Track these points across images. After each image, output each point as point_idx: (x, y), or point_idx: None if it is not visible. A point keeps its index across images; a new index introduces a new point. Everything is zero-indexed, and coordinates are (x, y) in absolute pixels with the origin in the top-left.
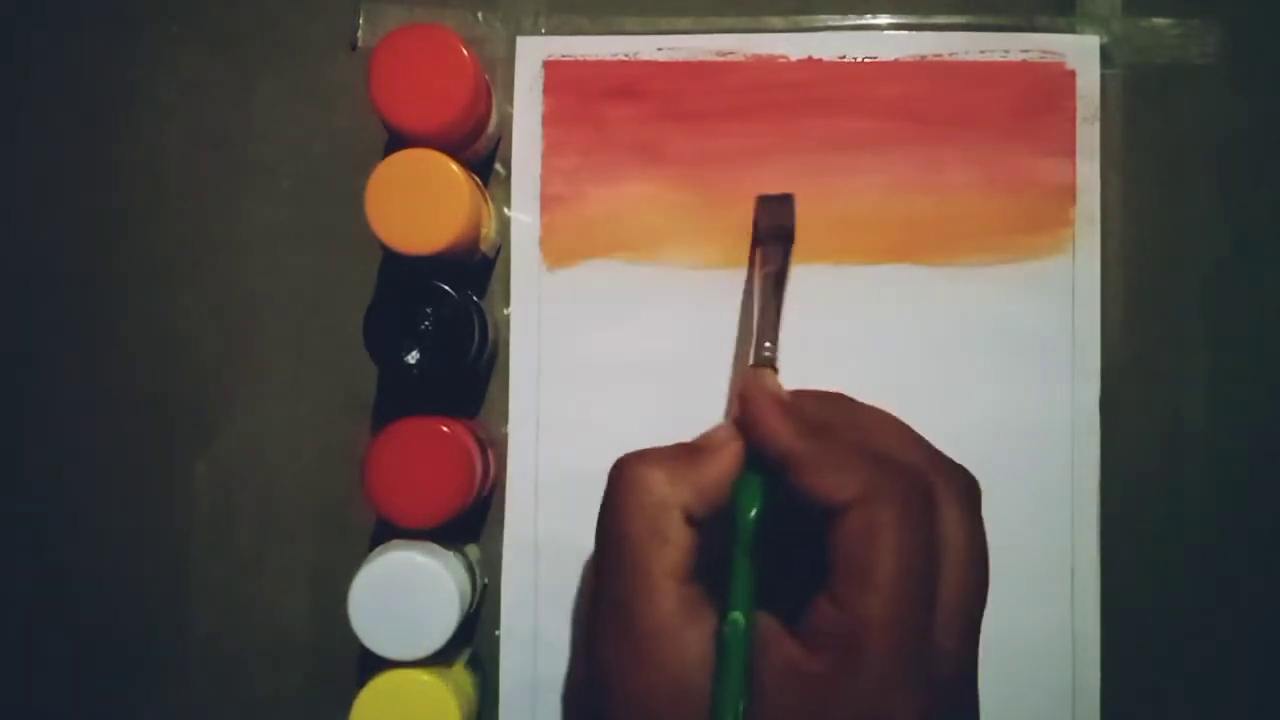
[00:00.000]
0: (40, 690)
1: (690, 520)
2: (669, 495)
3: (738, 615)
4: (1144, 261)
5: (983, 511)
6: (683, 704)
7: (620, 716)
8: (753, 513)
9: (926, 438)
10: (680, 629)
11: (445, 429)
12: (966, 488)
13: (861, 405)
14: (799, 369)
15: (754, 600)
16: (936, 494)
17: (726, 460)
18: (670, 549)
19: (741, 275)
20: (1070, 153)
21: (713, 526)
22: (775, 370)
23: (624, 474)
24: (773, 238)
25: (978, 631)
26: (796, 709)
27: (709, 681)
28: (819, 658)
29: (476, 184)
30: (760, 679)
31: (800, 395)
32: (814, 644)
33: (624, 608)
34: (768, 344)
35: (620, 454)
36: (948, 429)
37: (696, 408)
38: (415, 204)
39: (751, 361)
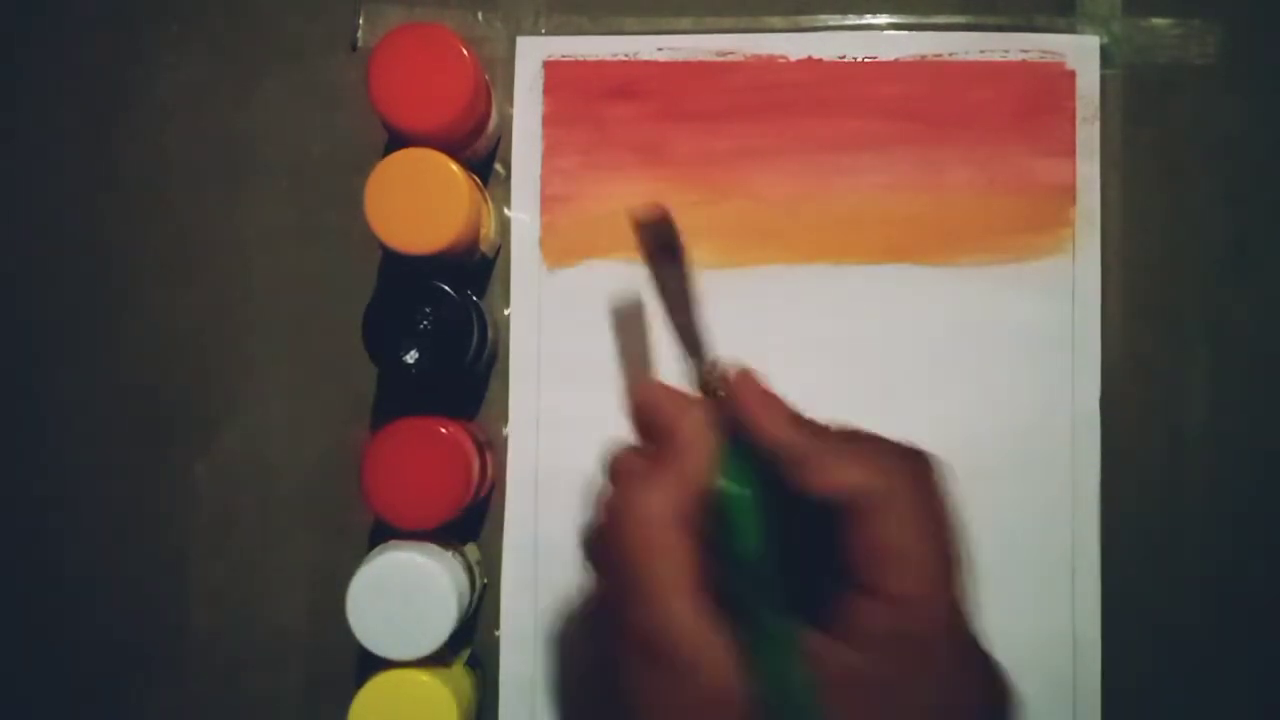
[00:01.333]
0: (40, 690)
1: (687, 523)
2: (663, 511)
3: (796, 686)
4: (1144, 261)
5: (982, 511)
6: (727, 711)
7: None
8: (760, 559)
9: (926, 438)
10: (706, 639)
11: (442, 430)
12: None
13: None
14: (800, 369)
15: (796, 659)
16: (932, 464)
17: (702, 444)
18: (673, 563)
19: (742, 275)
20: (1070, 153)
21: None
22: (720, 383)
23: (607, 504)
24: (661, 254)
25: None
26: (869, 715)
27: (744, 686)
28: (880, 662)
29: (476, 184)
30: (824, 696)
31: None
32: (868, 646)
33: (645, 631)
34: (709, 361)
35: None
36: (948, 429)
37: None
38: (415, 204)
39: (699, 384)
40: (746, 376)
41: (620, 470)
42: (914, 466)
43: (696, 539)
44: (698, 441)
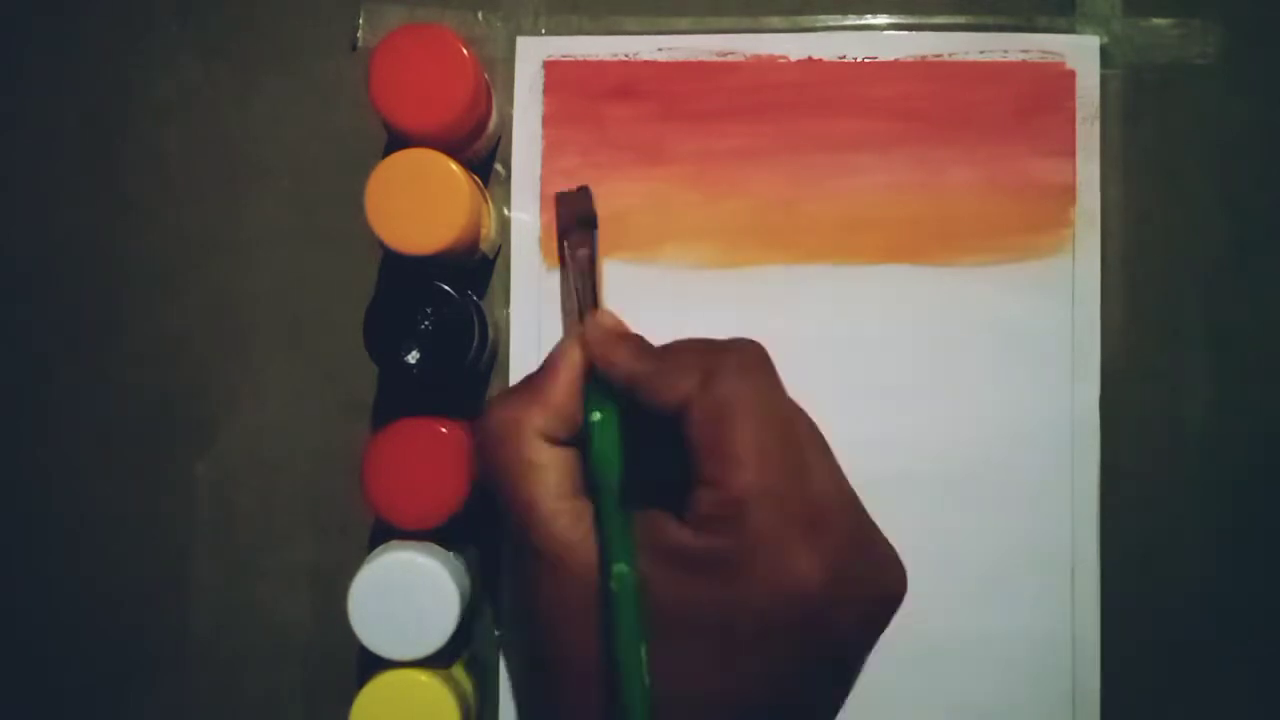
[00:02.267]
0: (40, 690)
1: (553, 440)
2: (521, 424)
3: (622, 567)
4: (1144, 261)
5: (981, 511)
6: (594, 612)
7: (544, 637)
8: (614, 467)
9: (926, 438)
10: (579, 542)
11: (443, 430)
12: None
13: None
14: (799, 369)
15: (632, 548)
16: (769, 357)
17: (566, 373)
18: (544, 472)
19: (741, 275)
20: (1070, 153)
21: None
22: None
23: (479, 424)
24: (578, 225)
25: (838, 468)
26: (692, 594)
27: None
28: (706, 536)
29: (476, 184)
30: (650, 569)
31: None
32: (700, 527)
33: (525, 538)
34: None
35: None
36: (948, 429)
37: None
38: (415, 204)
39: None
40: (594, 322)
41: (495, 396)
42: (740, 361)
43: (565, 451)
44: (562, 370)
